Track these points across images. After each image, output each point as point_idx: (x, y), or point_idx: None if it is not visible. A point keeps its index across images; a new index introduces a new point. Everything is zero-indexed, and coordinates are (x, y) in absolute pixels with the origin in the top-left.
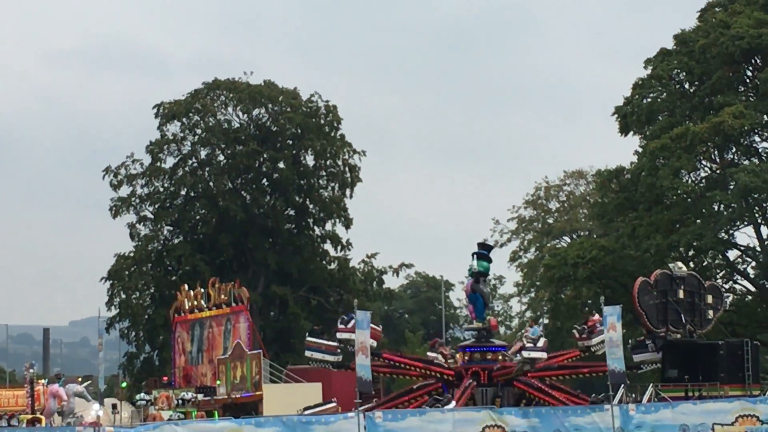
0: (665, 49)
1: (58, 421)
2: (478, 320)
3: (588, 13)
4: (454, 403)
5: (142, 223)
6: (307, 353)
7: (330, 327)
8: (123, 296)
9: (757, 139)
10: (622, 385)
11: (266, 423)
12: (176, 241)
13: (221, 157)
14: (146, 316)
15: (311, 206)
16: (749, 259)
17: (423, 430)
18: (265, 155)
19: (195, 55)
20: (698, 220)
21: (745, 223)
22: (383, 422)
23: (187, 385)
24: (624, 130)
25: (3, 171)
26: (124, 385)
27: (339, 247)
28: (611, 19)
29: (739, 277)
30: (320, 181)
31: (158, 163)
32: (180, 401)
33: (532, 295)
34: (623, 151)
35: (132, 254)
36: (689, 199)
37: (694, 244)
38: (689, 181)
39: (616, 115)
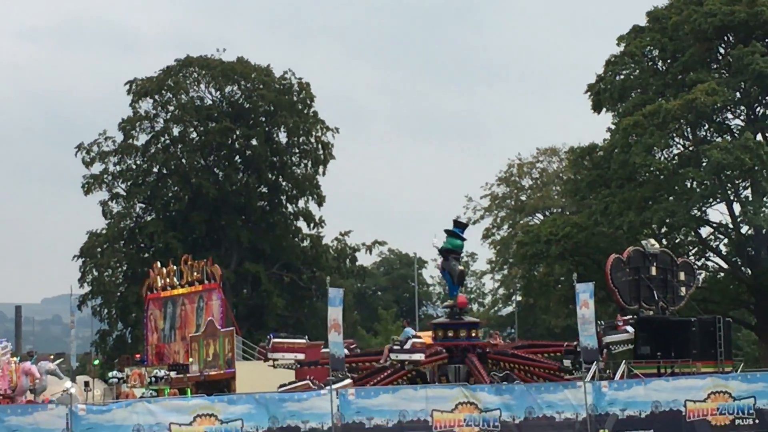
0: (638, 26)
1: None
2: (450, 297)
3: None
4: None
5: (114, 201)
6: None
7: (302, 304)
8: (95, 274)
9: (729, 116)
10: (595, 362)
11: (239, 400)
12: (149, 218)
13: (194, 135)
14: (118, 294)
15: (284, 183)
16: (722, 236)
17: (396, 407)
18: (237, 132)
19: (166, 31)
20: (671, 197)
21: (718, 200)
22: (356, 399)
23: (159, 362)
24: (597, 108)
25: None
26: (96, 362)
27: (312, 225)
28: None
29: (711, 254)
30: (293, 159)
31: (131, 140)
32: (152, 379)
33: (505, 272)
34: (596, 128)
35: (104, 231)
36: (662, 176)
37: (667, 221)
38: (662, 158)
39: (588, 93)
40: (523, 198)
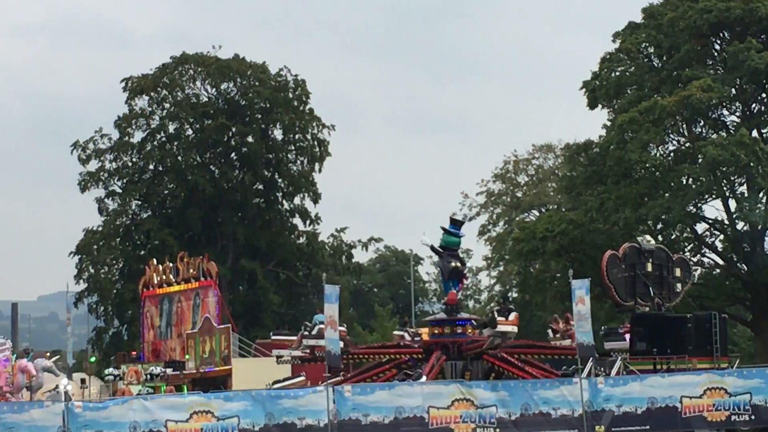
0: (633, 22)
1: (27, 396)
2: (445, 294)
3: None
4: (425, 377)
5: (110, 198)
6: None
7: (298, 301)
8: (91, 271)
9: (725, 112)
10: (591, 359)
11: (235, 397)
12: (145, 215)
13: (190, 132)
14: (115, 291)
15: (280, 180)
16: (717, 233)
17: (392, 403)
18: (233, 129)
19: (160, 28)
20: (666, 194)
21: (713, 196)
22: (352, 396)
23: (156, 359)
24: (592, 104)
25: None
26: (92, 359)
27: (308, 222)
28: None
29: (707, 251)
30: (289, 156)
31: (126, 138)
32: (149, 376)
33: (501, 268)
34: (592, 124)
35: (100, 229)
36: (657, 173)
37: (663, 217)
38: (657, 154)
39: (584, 89)
40: (519, 194)
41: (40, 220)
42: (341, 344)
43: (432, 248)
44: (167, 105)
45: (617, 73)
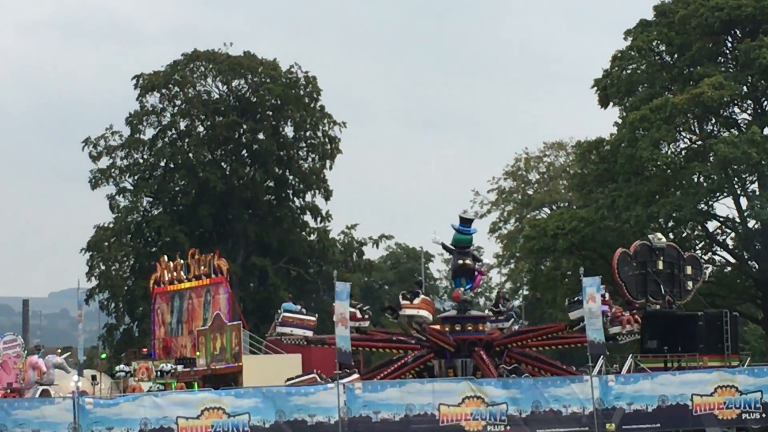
0: (645, 20)
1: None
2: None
3: None
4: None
5: (121, 195)
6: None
7: (309, 298)
8: (102, 268)
9: (736, 110)
10: (602, 356)
11: (246, 394)
12: (156, 212)
13: (201, 129)
14: (126, 288)
15: (291, 177)
16: (728, 231)
17: (403, 401)
18: (244, 126)
19: (170, 25)
20: (678, 192)
21: (725, 194)
22: (363, 393)
23: (166, 356)
24: (603, 102)
25: None
26: (103, 356)
27: (319, 219)
28: None
29: (718, 249)
30: (300, 153)
31: (137, 135)
32: (159, 372)
33: (512, 266)
34: (603, 122)
35: (111, 225)
36: (669, 171)
37: (674, 215)
38: (669, 152)
39: (595, 87)
40: (530, 192)
41: (51, 217)
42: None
43: (443, 246)
44: (178, 102)
45: (629, 71)
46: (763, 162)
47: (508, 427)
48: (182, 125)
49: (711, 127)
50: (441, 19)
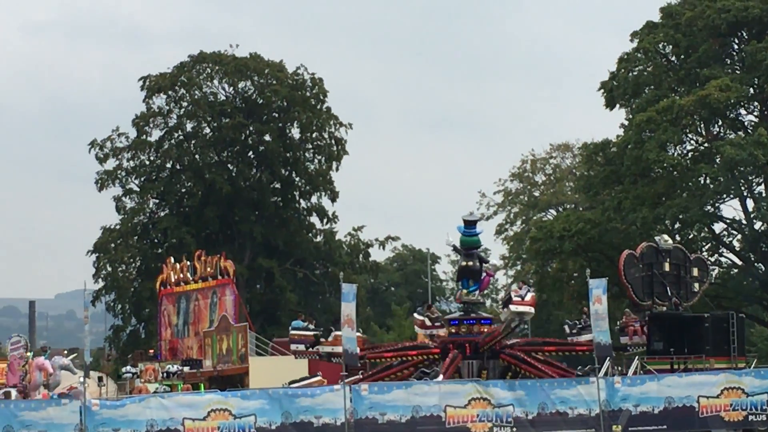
0: (651, 21)
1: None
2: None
3: None
4: (441, 376)
5: (128, 196)
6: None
7: (315, 299)
8: (109, 269)
9: (743, 112)
10: (608, 358)
11: (252, 396)
12: (162, 213)
13: (207, 130)
14: (132, 289)
15: (297, 179)
16: (735, 232)
17: (409, 402)
18: (251, 128)
19: (177, 27)
20: (684, 194)
21: (731, 196)
22: (369, 395)
23: (173, 357)
24: (610, 104)
25: None
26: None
27: (325, 220)
28: None
29: (724, 250)
30: (306, 154)
31: (144, 136)
32: (166, 374)
33: (518, 267)
34: (609, 124)
35: (118, 227)
36: (675, 172)
37: (680, 217)
38: (675, 154)
39: (602, 89)
40: (536, 194)
41: (58, 219)
42: (358, 350)
43: (454, 248)
44: (185, 103)
45: (635, 73)
46: None
47: (515, 429)
48: (189, 127)
49: (717, 129)
50: (448, 21)
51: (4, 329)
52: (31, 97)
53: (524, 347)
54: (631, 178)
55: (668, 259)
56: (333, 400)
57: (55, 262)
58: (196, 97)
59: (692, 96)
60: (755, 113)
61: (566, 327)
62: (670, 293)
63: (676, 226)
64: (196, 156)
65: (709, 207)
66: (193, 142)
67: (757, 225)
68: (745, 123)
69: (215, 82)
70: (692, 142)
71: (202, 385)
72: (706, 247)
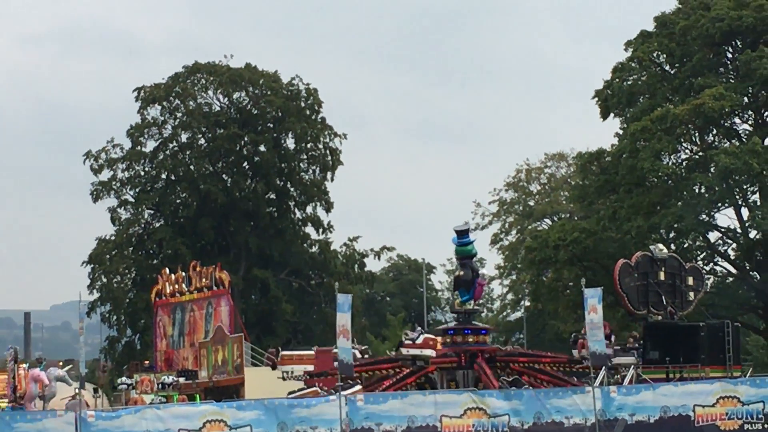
0: (645, 31)
1: (40, 406)
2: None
3: None
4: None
5: (122, 207)
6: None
7: (311, 309)
8: (104, 280)
9: (737, 121)
10: (604, 367)
11: (248, 406)
12: (157, 224)
13: (202, 141)
14: (127, 300)
15: (292, 189)
16: (730, 241)
17: (405, 412)
18: (245, 138)
19: (170, 38)
20: (679, 203)
21: (726, 205)
22: (365, 405)
23: (168, 368)
24: (604, 113)
25: None
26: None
27: (320, 230)
28: (592, 1)
29: (719, 259)
30: (301, 164)
31: (139, 147)
32: (161, 385)
33: (514, 277)
34: (604, 133)
35: (113, 238)
36: (670, 181)
37: (675, 226)
38: (670, 163)
39: (596, 98)
40: (532, 203)
41: (53, 230)
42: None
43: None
44: (179, 114)
45: (629, 82)
46: (764, 172)
47: None
48: (183, 137)
49: (712, 138)
50: (442, 31)
51: (0, 341)
52: (25, 108)
53: (522, 358)
54: (626, 188)
55: (663, 268)
56: (329, 410)
57: (50, 273)
58: (190, 107)
59: (687, 105)
60: (749, 122)
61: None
62: (665, 302)
63: (671, 235)
64: (191, 167)
65: (704, 216)
66: (187, 152)
67: (752, 234)
68: (740, 132)
69: (210, 92)
70: (687, 151)
71: (197, 396)
72: (701, 256)
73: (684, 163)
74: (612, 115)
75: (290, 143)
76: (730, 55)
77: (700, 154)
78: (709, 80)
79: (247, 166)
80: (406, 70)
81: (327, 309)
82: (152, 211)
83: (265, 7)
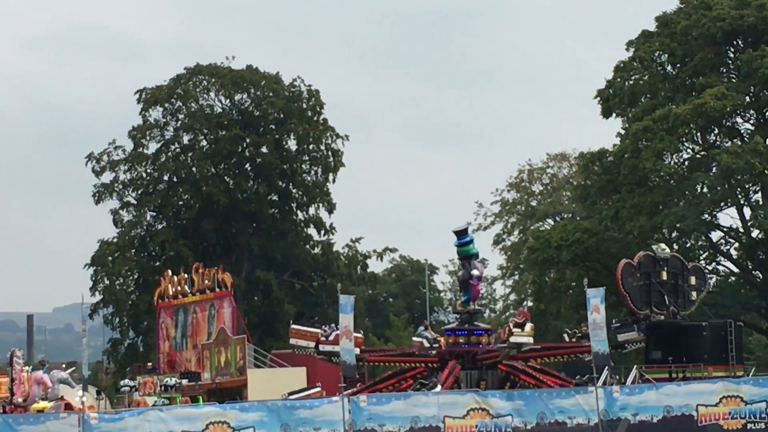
0: (647, 31)
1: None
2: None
3: None
4: (439, 387)
5: (125, 209)
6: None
7: (313, 311)
8: (107, 282)
9: (739, 120)
10: (606, 367)
11: (251, 408)
12: (159, 226)
13: (204, 143)
14: (130, 302)
15: (294, 191)
16: (732, 241)
17: (407, 413)
18: (247, 140)
19: (172, 40)
20: (681, 202)
21: (728, 204)
22: (367, 406)
23: (171, 370)
24: (606, 113)
25: None
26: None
27: (323, 232)
28: (593, 1)
29: (722, 259)
30: (303, 166)
31: (141, 149)
32: (164, 387)
33: (516, 278)
34: (606, 133)
35: (115, 240)
36: (672, 181)
37: (677, 225)
38: (672, 162)
39: (598, 98)
40: (534, 203)
41: (55, 233)
42: (357, 351)
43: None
44: (181, 116)
45: (631, 82)
46: (766, 172)
47: None
48: (185, 139)
49: (714, 138)
50: (442, 32)
51: (3, 343)
52: (26, 111)
53: (523, 354)
54: (628, 188)
55: (666, 268)
56: (332, 411)
57: (53, 275)
58: (192, 109)
59: (688, 105)
60: (751, 121)
61: (566, 336)
62: (667, 302)
63: (674, 234)
64: (193, 168)
65: (706, 215)
66: (189, 154)
67: (755, 233)
68: (742, 131)
69: (211, 94)
70: (689, 150)
71: (200, 397)
72: (704, 255)
73: (686, 163)
74: (614, 114)
75: (292, 145)
76: (731, 55)
77: (702, 153)
78: (711, 80)
79: (249, 168)
80: (408, 72)
81: (330, 310)
82: (154, 213)
83: (266, 9)
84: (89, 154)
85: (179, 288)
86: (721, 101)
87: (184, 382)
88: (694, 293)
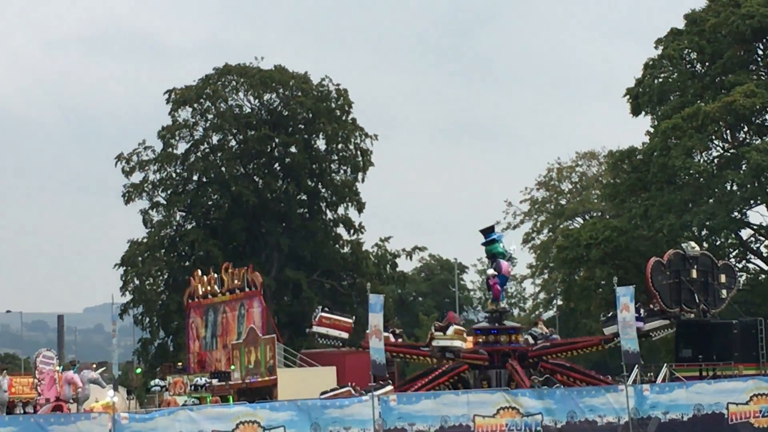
0: (676, 28)
1: (74, 408)
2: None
3: None
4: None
5: (154, 209)
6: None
7: (343, 310)
8: (137, 282)
9: None
10: (637, 366)
11: (281, 407)
12: (189, 226)
13: (233, 143)
14: (160, 302)
15: (323, 190)
16: (762, 238)
17: (438, 412)
18: (276, 140)
19: (200, 40)
20: (711, 200)
21: (758, 202)
22: (397, 405)
23: (201, 370)
24: (636, 111)
25: (14, 159)
26: (138, 371)
27: (352, 231)
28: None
29: (752, 256)
30: (332, 165)
31: (170, 149)
32: (194, 386)
33: (546, 276)
34: (635, 131)
35: (145, 240)
36: (702, 179)
37: (707, 223)
38: (701, 160)
39: (627, 96)
40: (563, 202)
41: (85, 233)
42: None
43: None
44: (210, 116)
45: (660, 80)
46: None
47: None
48: (214, 139)
49: (743, 135)
50: (471, 30)
51: (33, 343)
52: (55, 112)
53: (552, 349)
54: (658, 185)
55: (695, 266)
56: (362, 410)
57: (83, 276)
58: (221, 109)
59: (718, 102)
60: None
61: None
62: (697, 300)
63: (703, 232)
64: (222, 168)
65: (736, 213)
66: (219, 154)
67: None
68: None
69: (240, 94)
70: (718, 148)
71: (230, 397)
72: (734, 253)
73: (715, 161)
74: (643, 113)
75: (321, 144)
76: (760, 52)
77: (732, 151)
78: (740, 77)
79: (278, 168)
80: (437, 70)
81: (359, 309)
82: (184, 213)
83: (294, 9)
84: (119, 155)
85: (209, 288)
86: (750, 99)
87: (214, 381)
88: (724, 291)
